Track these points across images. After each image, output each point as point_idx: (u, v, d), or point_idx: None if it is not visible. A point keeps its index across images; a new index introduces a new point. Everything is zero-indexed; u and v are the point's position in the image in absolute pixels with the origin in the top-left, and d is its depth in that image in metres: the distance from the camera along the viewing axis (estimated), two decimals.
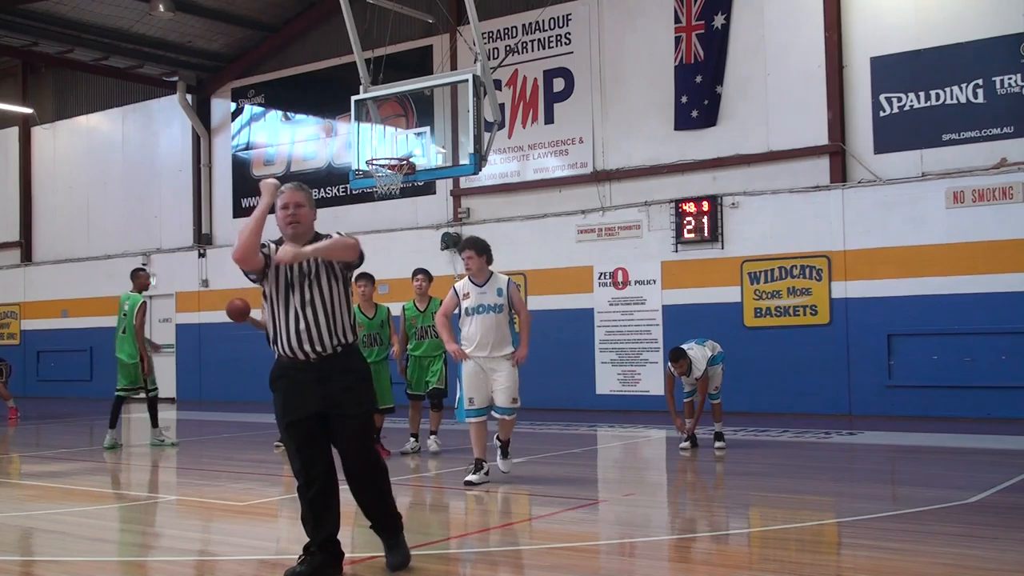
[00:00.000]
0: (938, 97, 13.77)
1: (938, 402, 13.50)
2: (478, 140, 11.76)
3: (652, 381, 15.51)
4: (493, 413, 8.50)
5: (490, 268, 8.51)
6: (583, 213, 16.45)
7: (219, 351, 20.49)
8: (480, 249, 8.47)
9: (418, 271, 10.81)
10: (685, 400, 10.63)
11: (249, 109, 21.03)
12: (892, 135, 14.07)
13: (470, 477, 8.38)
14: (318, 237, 5.19)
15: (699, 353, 10.26)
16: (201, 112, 21.67)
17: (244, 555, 6.28)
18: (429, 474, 9.46)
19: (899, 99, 14.05)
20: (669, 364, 10.35)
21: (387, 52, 13.60)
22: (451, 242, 17.36)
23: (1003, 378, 13.12)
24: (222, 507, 7.44)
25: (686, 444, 10.51)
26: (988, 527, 6.39)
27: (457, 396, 8.68)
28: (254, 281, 5.27)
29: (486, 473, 8.42)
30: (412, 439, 10.79)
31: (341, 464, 5.28)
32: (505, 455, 8.66)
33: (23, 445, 12.78)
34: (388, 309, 10.58)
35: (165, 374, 19.42)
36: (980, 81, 13.48)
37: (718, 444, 10.51)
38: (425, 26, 17.00)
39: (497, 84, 14.76)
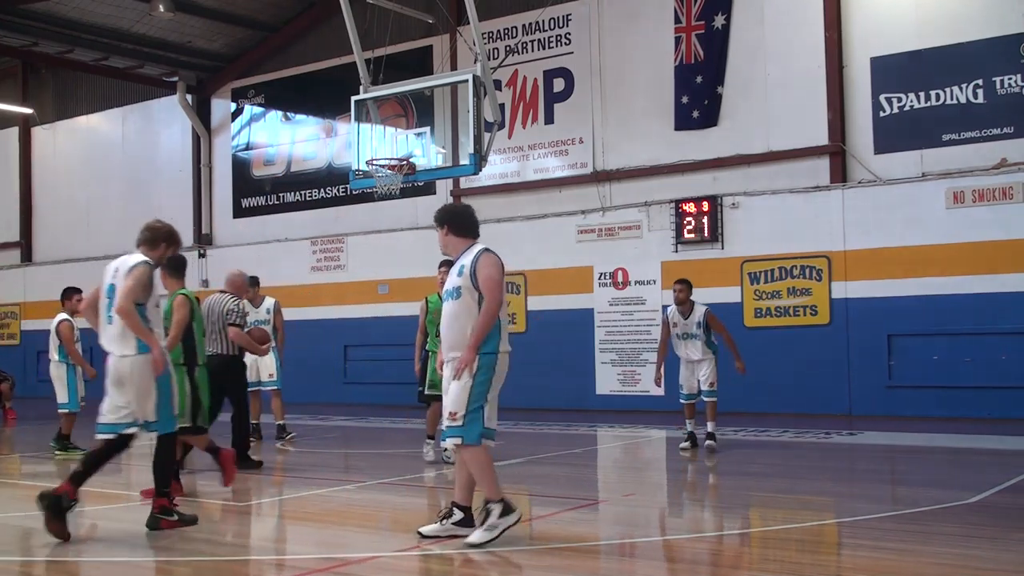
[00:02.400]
0: (938, 97, 13.77)
1: (938, 402, 13.50)
2: (478, 140, 11.76)
3: (652, 382, 15.49)
4: None
5: (474, 243, 6.50)
6: (583, 213, 16.45)
7: None
8: (441, 220, 6.59)
9: (444, 263, 9.81)
10: (684, 402, 10.55)
11: (249, 109, 21.03)
12: (892, 135, 14.07)
13: (425, 529, 6.29)
14: None
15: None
16: (201, 112, 21.66)
17: (245, 555, 6.28)
18: (430, 475, 9.45)
19: (899, 99, 14.04)
20: (668, 309, 10.46)
21: (387, 52, 13.59)
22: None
23: (1003, 378, 13.12)
24: (223, 507, 7.44)
25: (686, 444, 10.48)
26: (988, 527, 6.39)
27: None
28: None
29: (454, 522, 6.20)
30: (429, 440, 9.91)
31: None
32: (466, 521, 6.08)
33: (23, 445, 12.79)
34: (182, 297, 8.10)
35: None
36: (980, 81, 13.48)
37: (709, 443, 10.43)
38: (425, 26, 16.99)
39: (497, 84, 14.75)
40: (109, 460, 6.74)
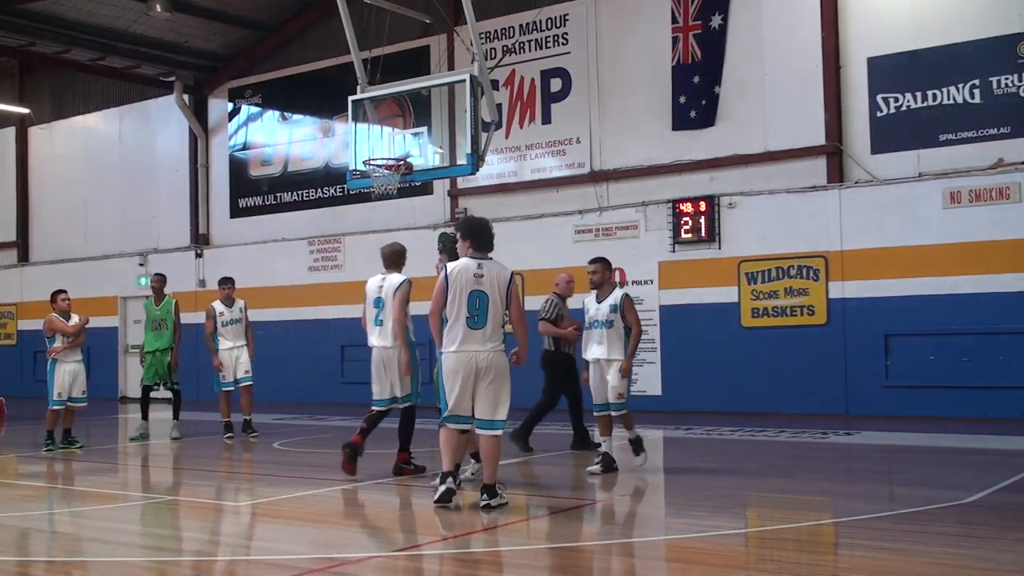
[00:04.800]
0: (935, 97, 13.80)
1: (935, 402, 13.51)
2: (475, 140, 11.76)
3: (649, 381, 15.53)
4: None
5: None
6: (580, 213, 16.46)
7: None
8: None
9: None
10: (597, 413, 9.23)
11: (246, 109, 21.02)
12: (889, 135, 14.09)
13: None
14: None
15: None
16: (198, 112, 21.66)
17: (244, 555, 6.29)
18: (428, 475, 9.45)
19: (896, 99, 14.07)
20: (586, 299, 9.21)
21: (384, 52, 13.59)
22: (449, 242, 17.31)
23: (1001, 378, 13.13)
24: (221, 507, 7.45)
25: (596, 467, 8.90)
26: (985, 527, 6.41)
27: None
28: None
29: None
30: (474, 462, 8.56)
31: None
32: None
33: (21, 445, 12.79)
34: None
35: None
36: (977, 81, 13.50)
37: (637, 459, 9.20)
38: (422, 26, 17.00)
39: (494, 84, 14.75)
40: (379, 423, 9.04)
